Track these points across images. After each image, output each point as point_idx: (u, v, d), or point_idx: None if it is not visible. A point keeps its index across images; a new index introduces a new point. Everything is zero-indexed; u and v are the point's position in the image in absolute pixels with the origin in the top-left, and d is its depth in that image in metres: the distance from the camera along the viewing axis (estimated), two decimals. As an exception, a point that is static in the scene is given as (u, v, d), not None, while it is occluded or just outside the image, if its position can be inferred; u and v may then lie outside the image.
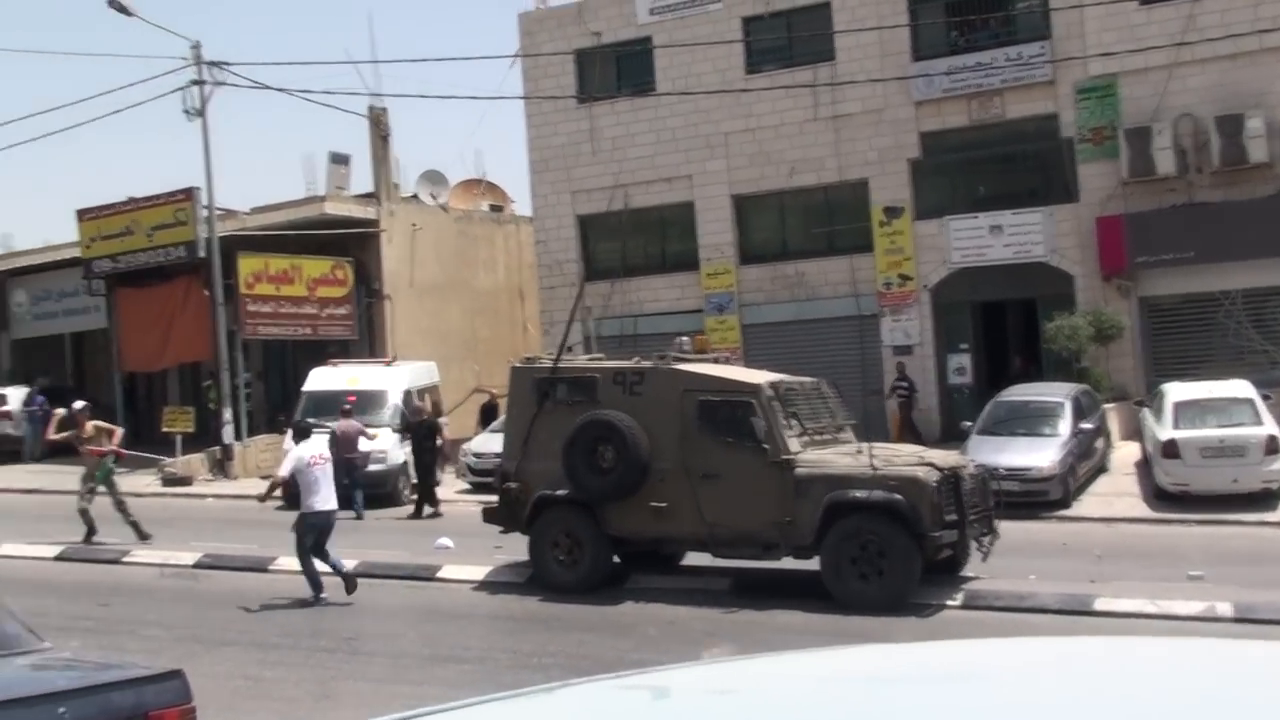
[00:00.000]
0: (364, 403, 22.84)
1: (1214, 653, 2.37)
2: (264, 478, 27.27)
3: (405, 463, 22.31)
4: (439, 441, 21.71)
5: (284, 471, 13.98)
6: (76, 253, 31.49)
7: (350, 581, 13.49)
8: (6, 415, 31.50)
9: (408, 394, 23.54)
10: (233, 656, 10.91)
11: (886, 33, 27.25)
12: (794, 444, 13.00)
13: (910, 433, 24.77)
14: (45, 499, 22.19)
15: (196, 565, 16.04)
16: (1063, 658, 2.26)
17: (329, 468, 13.98)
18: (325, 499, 13.65)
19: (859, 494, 12.47)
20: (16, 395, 32.04)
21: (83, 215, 30.90)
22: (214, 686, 8.95)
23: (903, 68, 27.33)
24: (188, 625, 12.45)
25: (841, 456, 13.13)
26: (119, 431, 18.60)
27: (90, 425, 17.65)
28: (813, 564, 12.96)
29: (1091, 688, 1.96)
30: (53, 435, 18.54)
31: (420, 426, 21.63)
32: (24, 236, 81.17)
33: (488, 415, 25.52)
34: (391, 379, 24.02)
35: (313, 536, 13.60)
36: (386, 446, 22.08)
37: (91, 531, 17.35)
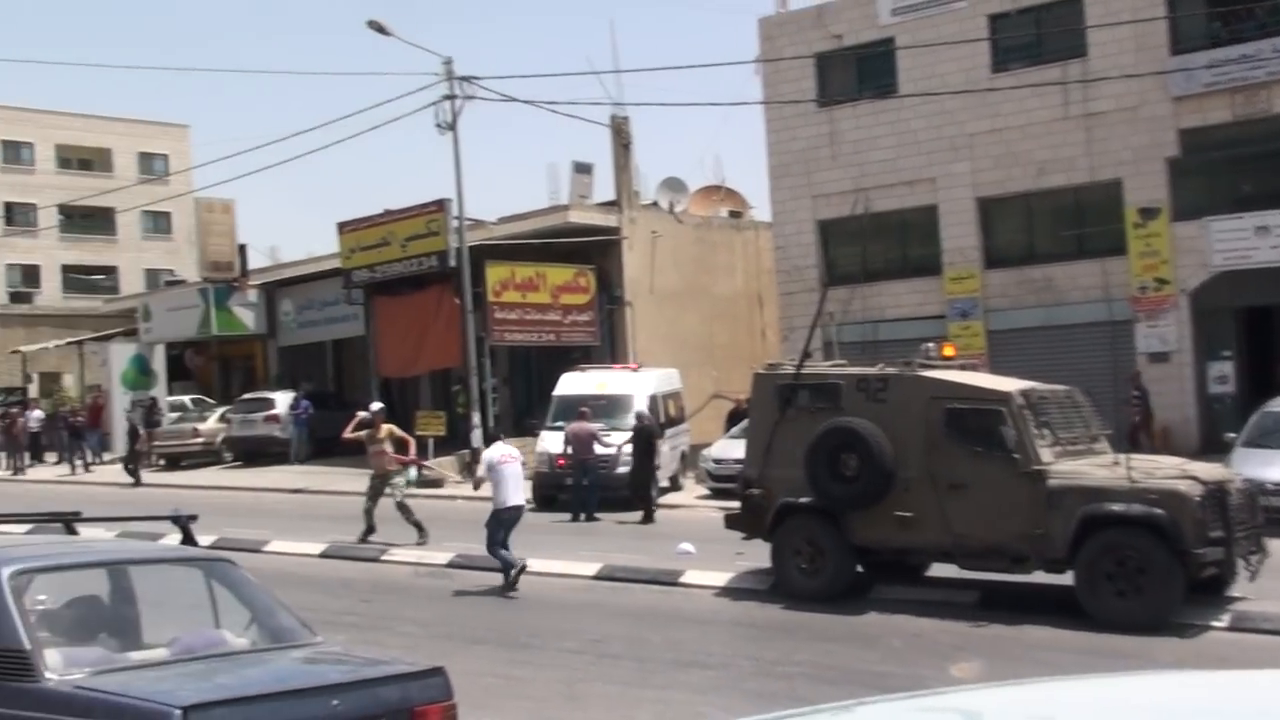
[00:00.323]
0: (611, 407, 23.25)
1: None
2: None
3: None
4: (658, 448, 21.79)
5: (481, 472, 15.36)
6: (337, 263, 33.10)
7: (513, 577, 14.44)
8: (274, 419, 33.26)
9: (653, 399, 23.80)
10: (484, 654, 11.25)
11: (1142, 25, 26.10)
12: (1046, 454, 12.59)
13: (1134, 445, 23.43)
14: (309, 499, 23.37)
15: (450, 565, 16.62)
16: None
17: (517, 466, 15.08)
18: (513, 495, 14.88)
19: (1116, 507, 11.99)
20: (283, 400, 33.78)
21: (342, 228, 32.49)
22: (467, 684, 9.22)
23: (1160, 62, 26.13)
24: (442, 623, 12.92)
25: (1097, 468, 12.66)
26: (413, 441, 19.31)
27: (385, 428, 18.30)
28: (1065, 579, 12.51)
29: None
30: (349, 434, 19.02)
31: (640, 432, 21.68)
32: (290, 249, 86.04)
33: (734, 421, 25.51)
34: (637, 384, 24.36)
35: (503, 530, 14.78)
36: (617, 449, 22.28)
37: (370, 530, 17.93)
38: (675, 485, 24.70)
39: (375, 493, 18.04)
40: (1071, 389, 14.31)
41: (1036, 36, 28.35)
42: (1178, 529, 11.65)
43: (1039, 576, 12.93)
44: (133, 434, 31.63)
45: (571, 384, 24.68)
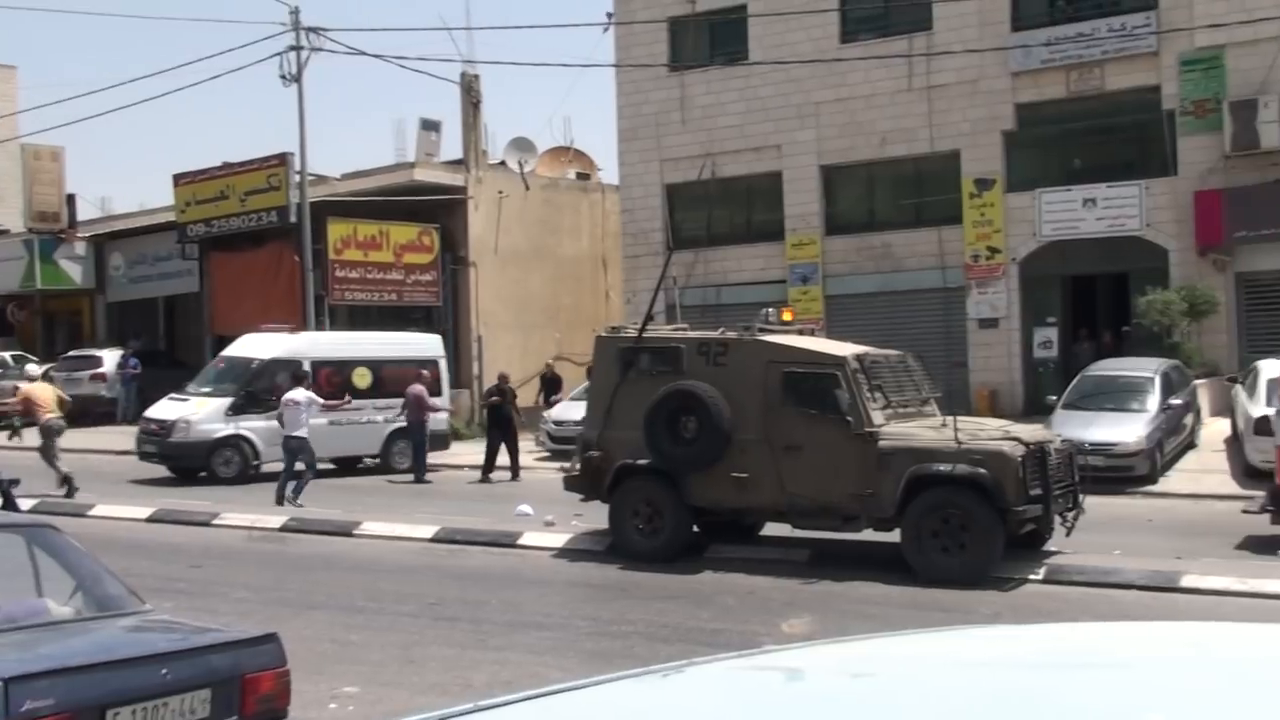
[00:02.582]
0: (229, 371, 22.86)
1: None
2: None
3: (231, 434, 21.78)
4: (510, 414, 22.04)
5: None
6: (172, 217, 32.14)
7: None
8: (101, 377, 32.23)
9: (270, 363, 22.40)
10: (319, 620, 11.09)
11: (986, 2, 26.83)
12: (878, 417, 12.92)
13: None
14: (137, 461, 22.67)
15: (283, 529, 16.34)
16: (1197, 643, 2.21)
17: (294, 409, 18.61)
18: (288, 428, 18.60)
19: (943, 467, 12.37)
20: (111, 358, 32.75)
21: (178, 180, 31.54)
22: (302, 649, 9.11)
23: (1001, 38, 26.88)
24: (276, 588, 12.69)
25: (925, 430, 13.03)
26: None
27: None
28: (893, 536, 12.89)
29: (1234, 675, 1.92)
30: None
31: (490, 396, 22.51)
32: (121, 201, 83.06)
33: (550, 387, 25.31)
34: (267, 347, 22.89)
35: (288, 455, 18.49)
36: (189, 414, 21.90)
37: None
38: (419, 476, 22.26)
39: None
40: (904, 353, 14.71)
41: (885, 9, 28.86)
42: (1000, 488, 12.08)
43: (868, 534, 13.30)
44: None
45: (239, 346, 23.63)
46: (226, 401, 21.93)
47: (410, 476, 21.75)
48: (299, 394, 18.78)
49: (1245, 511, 13.98)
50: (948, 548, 12.34)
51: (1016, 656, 2.16)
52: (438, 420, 22.64)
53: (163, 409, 22.57)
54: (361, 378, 22.87)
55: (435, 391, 22.84)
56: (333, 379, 22.42)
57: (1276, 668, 1.96)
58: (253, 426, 21.75)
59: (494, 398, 22.17)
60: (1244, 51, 24.63)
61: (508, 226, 32.29)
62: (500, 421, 21.80)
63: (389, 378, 22.96)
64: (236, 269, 30.92)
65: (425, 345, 24.52)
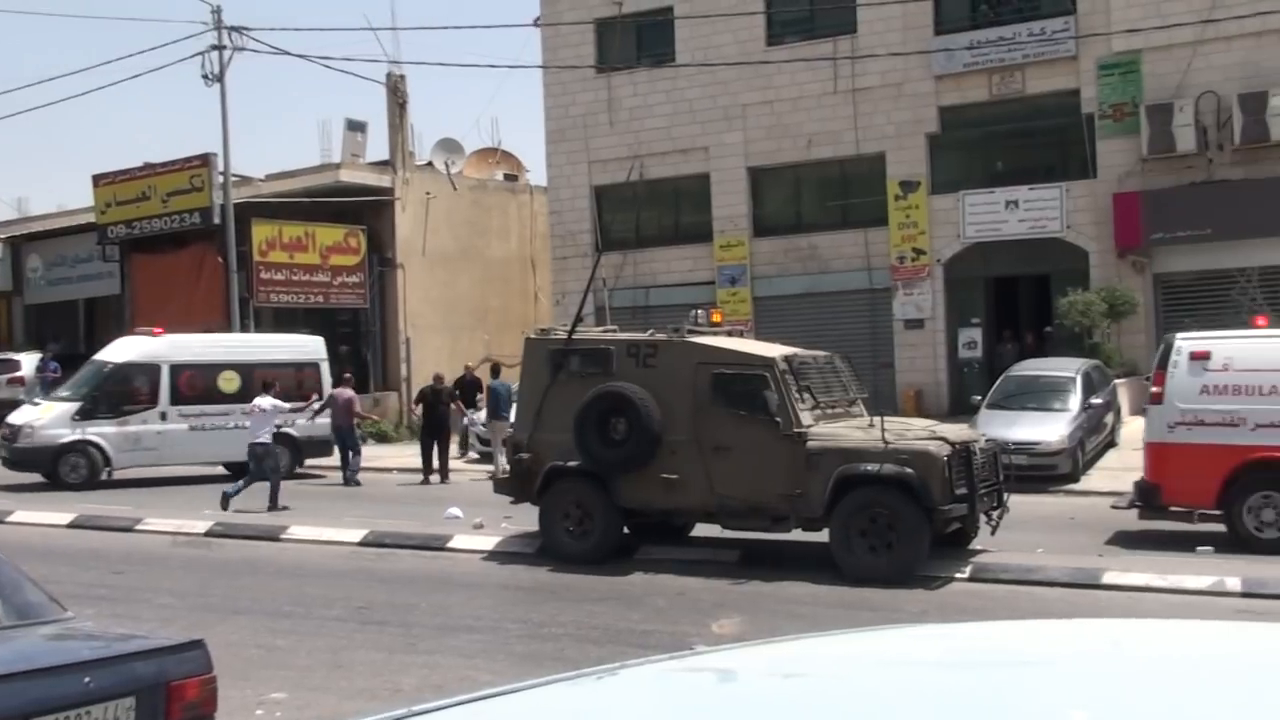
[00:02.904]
0: (87, 375, 22.38)
1: (1267, 635, 2.37)
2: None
3: (78, 440, 21.31)
4: (445, 413, 21.86)
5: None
6: (91, 218, 31.57)
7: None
8: (19, 381, 31.59)
9: (122, 367, 22.08)
10: (245, 625, 10.96)
11: (910, 6, 27.12)
12: (806, 417, 13.01)
13: None
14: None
15: (208, 534, 16.12)
16: (1117, 640, 2.25)
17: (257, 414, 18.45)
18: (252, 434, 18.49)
19: (870, 467, 12.48)
20: (29, 361, 32.11)
21: (98, 180, 30.99)
22: (228, 656, 8.99)
23: (924, 41, 27.21)
24: (200, 593, 12.52)
25: (853, 430, 13.14)
26: None
27: None
28: (821, 536, 12.98)
29: (1153, 671, 1.96)
30: None
31: (424, 394, 22.30)
32: (40, 201, 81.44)
33: (469, 391, 24.13)
34: (126, 352, 22.52)
35: (251, 461, 18.37)
36: (34, 419, 21.60)
37: None
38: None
39: None
40: (832, 354, 14.81)
41: (810, 12, 29.10)
42: (926, 487, 12.22)
43: (797, 534, 13.39)
44: None
45: (106, 350, 23.14)
46: (74, 406, 21.46)
47: (339, 479, 21.53)
48: (264, 401, 18.69)
49: (1114, 507, 14.29)
50: (875, 547, 12.46)
51: (944, 655, 2.19)
52: (303, 426, 21.88)
53: (18, 414, 22.22)
54: (228, 382, 22.25)
55: (309, 396, 22.21)
56: (195, 383, 22.05)
57: (1192, 663, 2.00)
58: (103, 432, 21.33)
59: (425, 399, 22.00)
60: (1160, 56, 25.15)
61: (435, 228, 32.12)
62: (433, 423, 21.63)
63: (261, 381, 22.06)
64: (158, 271, 30.45)
65: (303, 347, 23.57)
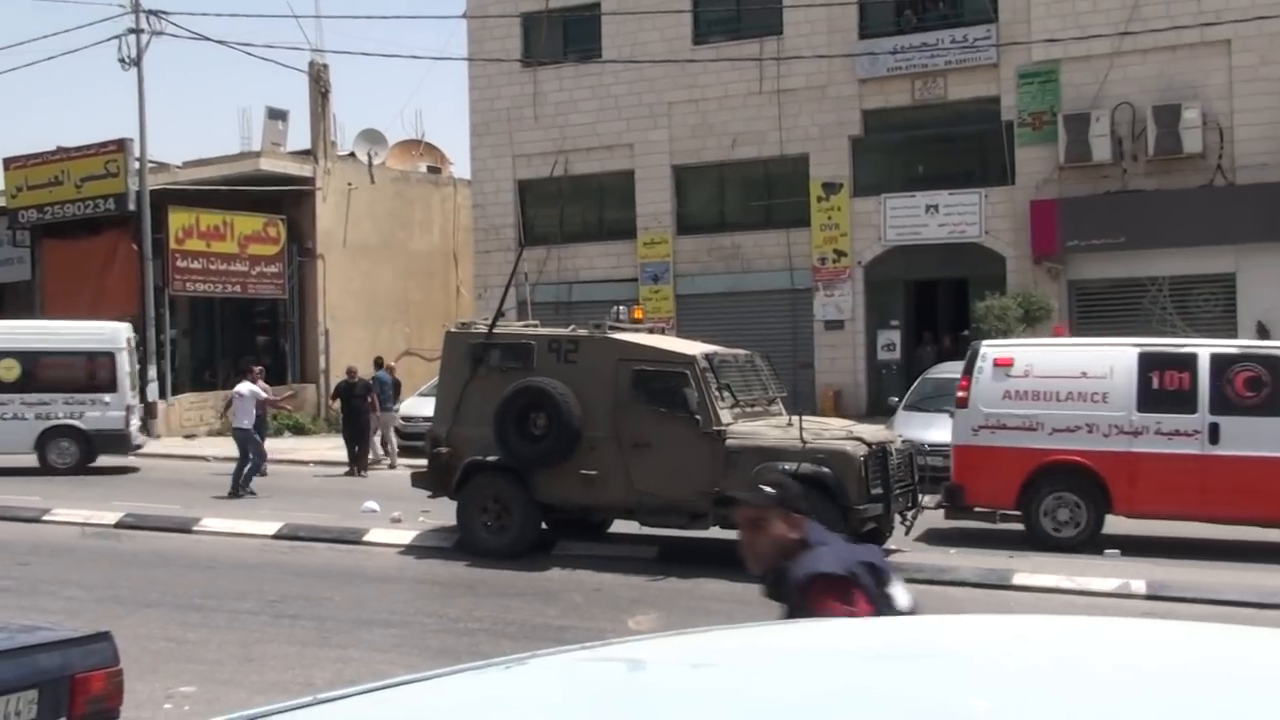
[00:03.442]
0: None
1: (1170, 634, 2.42)
2: (186, 436, 27.14)
3: None
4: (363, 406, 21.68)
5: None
6: (1, 202, 30.83)
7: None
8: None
9: None
10: (155, 618, 10.79)
11: (835, 9, 27.33)
12: (726, 415, 13.08)
13: None
14: None
15: (118, 525, 15.82)
16: (1023, 635, 2.29)
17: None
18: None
19: (787, 466, 12.55)
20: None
21: (9, 164, 30.31)
22: (136, 649, 8.86)
23: (849, 45, 27.45)
24: (109, 586, 12.30)
25: (771, 429, 13.24)
26: None
27: None
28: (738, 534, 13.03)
29: (1055, 664, 1.99)
30: None
31: (340, 389, 22.20)
32: (-53, 183, 79.14)
33: (344, 395, 22.06)
34: None
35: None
36: None
37: None
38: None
39: None
40: (752, 353, 14.92)
41: (736, 12, 29.23)
42: (842, 487, 12.35)
43: (715, 531, 13.44)
44: None
45: None
46: None
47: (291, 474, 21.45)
48: (243, 387, 18.91)
49: (924, 508, 14.53)
50: (792, 545, 12.53)
51: (851, 648, 2.21)
52: (108, 419, 21.48)
53: None
54: (8, 370, 21.65)
55: (109, 387, 21.62)
56: None
57: (1095, 658, 2.05)
58: None
59: (340, 393, 21.83)
60: (1077, 66, 25.60)
61: (357, 219, 31.81)
62: (350, 415, 21.42)
63: (47, 370, 21.79)
64: (71, 257, 29.86)
65: (97, 335, 22.23)
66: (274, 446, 21.90)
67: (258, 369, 21.25)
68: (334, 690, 2.01)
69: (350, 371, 22.24)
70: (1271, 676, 1.93)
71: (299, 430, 28.03)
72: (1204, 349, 13.88)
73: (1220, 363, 13.51)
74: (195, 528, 15.48)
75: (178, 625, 10.60)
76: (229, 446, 23.04)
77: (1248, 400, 13.34)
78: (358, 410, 21.40)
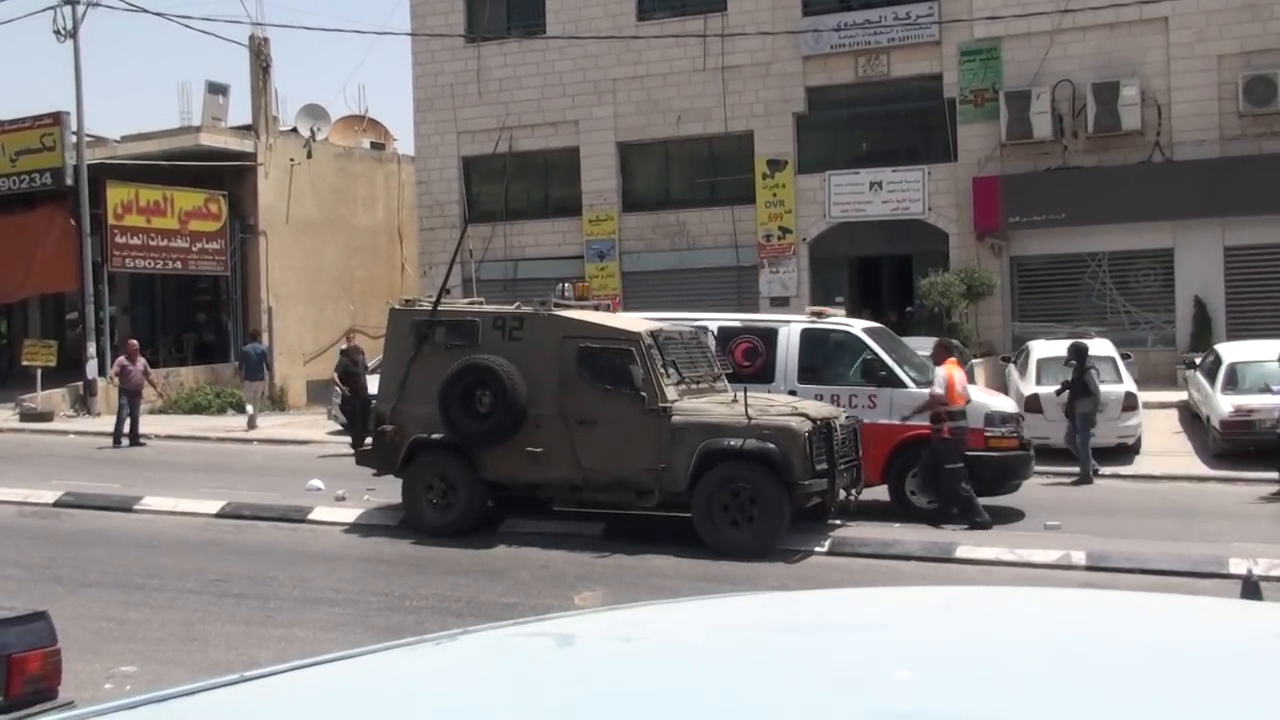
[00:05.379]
0: None
1: (1092, 602, 2.46)
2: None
3: None
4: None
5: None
6: (-67, 176, 30.18)
7: None
8: None
9: None
10: (96, 597, 10.68)
11: (777, -15, 27.35)
12: (671, 392, 13.09)
13: None
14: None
15: (57, 504, 15.62)
16: (948, 605, 2.32)
17: None
18: None
19: (732, 442, 12.62)
20: None
21: (-59, 137, 29.60)
22: (76, 629, 8.78)
23: (793, 21, 27.49)
24: (48, 565, 12.15)
25: (717, 405, 13.27)
26: None
27: None
28: (685, 510, 13.10)
29: (978, 633, 2.02)
30: None
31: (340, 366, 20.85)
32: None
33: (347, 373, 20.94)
34: None
35: None
36: None
37: None
38: None
39: None
40: (697, 330, 14.93)
41: (681, -12, 29.17)
42: (788, 462, 12.41)
43: (661, 508, 13.49)
44: None
45: None
46: None
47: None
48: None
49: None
50: (737, 521, 12.62)
51: (780, 620, 2.24)
52: None
53: None
54: None
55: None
56: None
57: (1021, 627, 2.08)
58: None
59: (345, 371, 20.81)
60: (1019, 44, 25.81)
61: (300, 195, 31.49)
62: (354, 391, 20.01)
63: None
64: (6, 232, 29.27)
65: None
66: (222, 425, 21.85)
67: (131, 343, 22.42)
68: (264, 667, 2.01)
69: (350, 343, 20.92)
70: (1188, 641, 1.97)
71: (241, 409, 27.75)
72: (712, 323, 15.35)
73: (725, 335, 15.02)
74: (136, 506, 15.30)
75: (119, 605, 10.49)
76: (170, 424, 22.89)
77: (744, 370, 14.65)
78: (359, 384, 19.88)
